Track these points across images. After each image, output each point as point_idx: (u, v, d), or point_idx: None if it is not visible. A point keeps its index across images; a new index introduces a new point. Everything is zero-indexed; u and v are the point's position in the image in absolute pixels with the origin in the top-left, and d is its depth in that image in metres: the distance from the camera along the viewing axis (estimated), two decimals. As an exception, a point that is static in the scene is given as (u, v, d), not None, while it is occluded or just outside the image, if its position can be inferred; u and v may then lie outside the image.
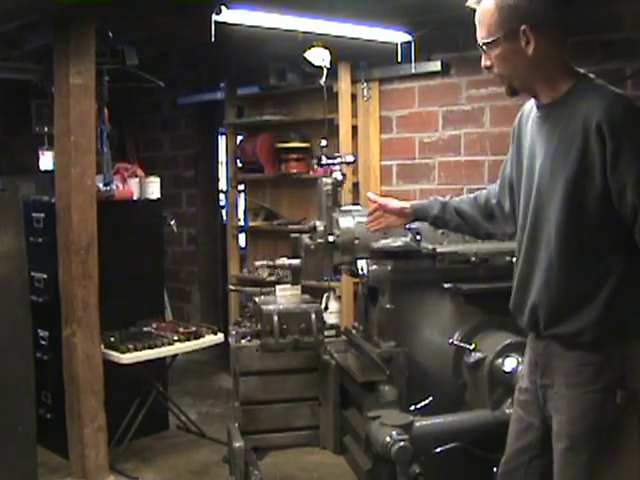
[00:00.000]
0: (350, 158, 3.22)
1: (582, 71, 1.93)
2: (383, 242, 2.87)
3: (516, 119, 2.13)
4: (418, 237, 2.83)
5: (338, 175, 3.10)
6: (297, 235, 3.12)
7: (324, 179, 3.09)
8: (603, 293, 1.85)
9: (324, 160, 3.21)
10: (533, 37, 1.85)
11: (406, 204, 2.54)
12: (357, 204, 4.57)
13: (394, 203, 2.57)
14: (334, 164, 3.14)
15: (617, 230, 1.84)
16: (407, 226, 2.78)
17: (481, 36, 1.94)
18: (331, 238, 2.95)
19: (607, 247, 1.86)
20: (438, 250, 2.82)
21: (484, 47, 1.94)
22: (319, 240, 2.98)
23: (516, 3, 1.85)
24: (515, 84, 1.96)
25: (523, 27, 1.84)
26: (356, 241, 2.92)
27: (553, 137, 1.91)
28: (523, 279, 2.02)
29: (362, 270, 2.83)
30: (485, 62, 1.96)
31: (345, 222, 2.97)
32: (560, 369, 1.94)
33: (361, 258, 2.92)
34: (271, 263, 3.45)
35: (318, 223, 3.04)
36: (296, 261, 3.07)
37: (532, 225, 1.99)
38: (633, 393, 1.87)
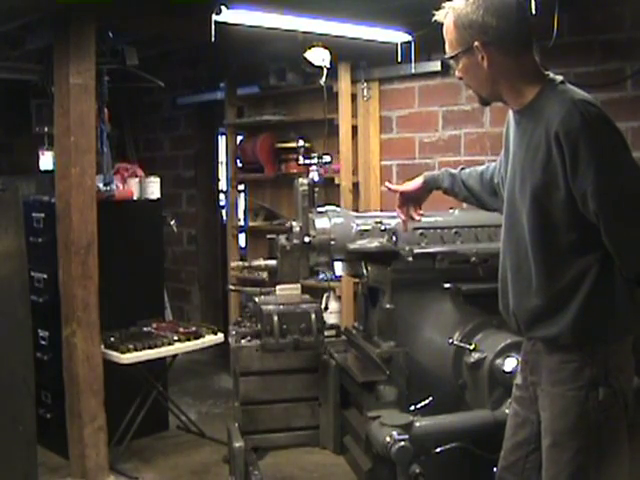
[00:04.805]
0: (327, 158, 3.21)
1: (551, 75, 1.95)
2: (359, 243, 2.86)
3: (506, 118, 2.14)
4: (394, 238, 2.82)
5: (315, 175, 3.09)
6: (274, 236, 3.11)
7: (300, 179, 3.09)
8: (579, 296, 1.86)
9: (301, 160, 3.20)
10: (485, 52, 1.91)
11: (420, 180, 2.51)
12: (352, 206, 4.56)
13: (409, 187, 2.53)
14: (311, 164, 3.14)
15: (588, 234, 1.85)
16: (382, 227, 2.79)
17: (446, 51, 2.03)
18: (307, 239, 2.94)
19: (579, 251, 1.87)
20: (415, 251, 2.82)
21: (450, 61, 2.02)
22: (295, 241, 2.98)
23: (470, 21, 1.92)
24: (482, 94, 2.03)
25: (475, 43, 1.91)
26: (332, 242, 2.92)
27: (522, 144, 1.96)
28: (503, 284, 2.06)
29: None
30: (457, 74, 2.03)
31: (321, 223, 2.96)
32: (545, 367, 1.97)
33: (337, 259, 2.91)
34: (246, 264, 3.45)
35: (294, 224, 3.03)
36: (272, 262, 3.06)
37: (507, 231, 2.03)
38: (620, 391, 1.88)
